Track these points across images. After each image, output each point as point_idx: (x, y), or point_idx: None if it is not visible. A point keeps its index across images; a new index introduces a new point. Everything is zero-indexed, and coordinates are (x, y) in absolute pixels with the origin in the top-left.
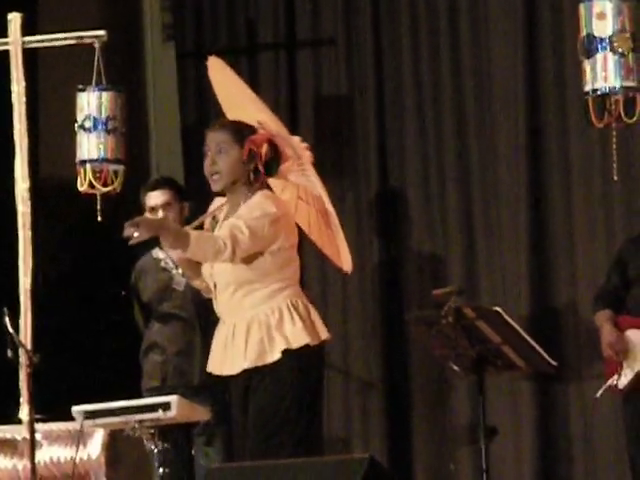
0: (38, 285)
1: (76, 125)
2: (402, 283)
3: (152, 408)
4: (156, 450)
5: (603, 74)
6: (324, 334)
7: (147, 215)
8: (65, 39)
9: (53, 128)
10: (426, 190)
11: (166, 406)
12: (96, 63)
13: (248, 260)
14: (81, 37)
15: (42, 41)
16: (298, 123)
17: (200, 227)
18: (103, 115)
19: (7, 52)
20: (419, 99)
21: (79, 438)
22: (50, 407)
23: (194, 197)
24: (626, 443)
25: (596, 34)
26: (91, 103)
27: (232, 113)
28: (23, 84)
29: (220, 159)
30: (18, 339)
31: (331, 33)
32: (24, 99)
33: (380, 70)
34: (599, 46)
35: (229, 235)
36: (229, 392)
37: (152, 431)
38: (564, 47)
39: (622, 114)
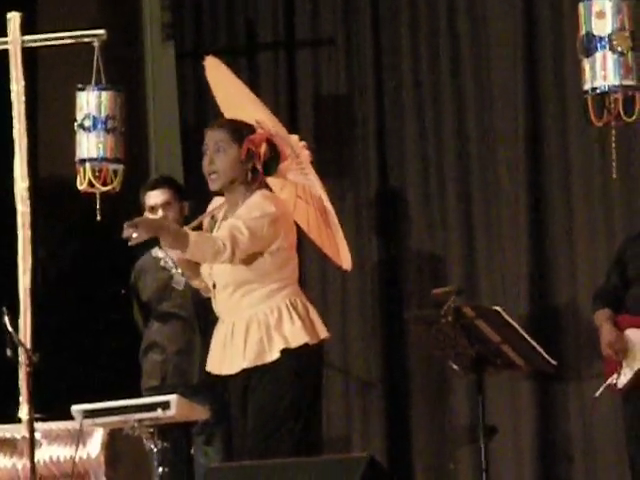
0: (37, 284)
1: (75, 124)
2: (402, 282)
3: (151, 407)
4: (155, 449)
5: (602, 73)
6: (323, 333)
7: (147, 214)
8: (64, 38)
9: (52, 127)
10: (426, 189)
11: (165, 405)
12: (95, 62)
13: (247, 260)
14: (80, 36)
15: (41, 40)
16: (298, 123)
17: (199, 227)
18: (102, 114)
19: (6, 51)
20: (419, 99)
21: (78, 437)
22: (49, 406)
23: (194, 196)
24: (626, 443)
25: (595, 33)
26: (90, 102)
27: (230, 113)
28: (22, 83)
29: (218, 158)
30: (17, 338)
31: (331, 33)
32: (23, 98)
33: (380, 70)
34: (598, 45)
35: (228, 236)
36: (228, 391)
37: (151, 430)
38: (563, 46)
39: (621, 113)
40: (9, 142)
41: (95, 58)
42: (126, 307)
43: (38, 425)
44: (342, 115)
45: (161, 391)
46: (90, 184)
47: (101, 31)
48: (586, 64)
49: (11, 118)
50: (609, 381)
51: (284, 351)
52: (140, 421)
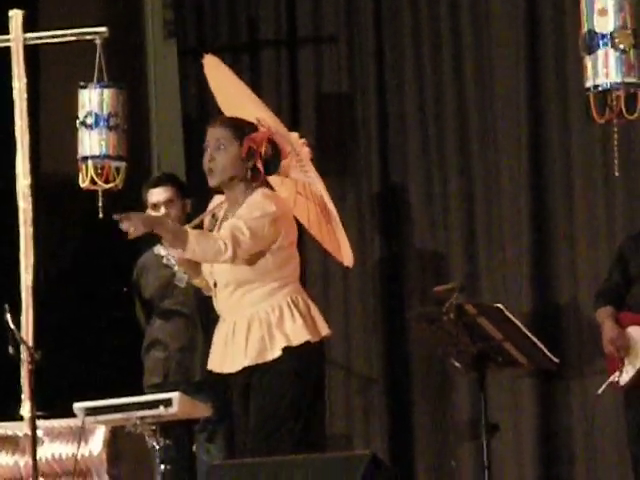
0: (39, 282)
1: (77, 122)
2: (403, 280)
3: (154, 405)
4: (157, 447)
5: (604, 70)
6: (324, 330)
7: (149, 212)
8: (66, 36)
9: (54, 125)
10: (428, 187)
11: (167, 403)
12: (97, 60)
13: (248, 259)
14: (82, 34)
15: (43, 38)
16: (299, 120)
17: (200, 226)
18: (105, 112)
19: (8, 49)
20: (420, 97)
21: (80, 435)
22: (52, 404)
23: (196, 194)
24: (628, 442)
25: (597, 30)
26: (93, 100)
27: (230, 111)
28: (24, 81)
29: (219, 155)
30: (19, 336)
31: (332, 31)
32: (25, 96)
33: (381, 68)
34: (600, 42)
35: (230, 236)
36: (230, 389)
37: (153, 428)
38: (565, 44)
39: (623, 110)
40: (11, 139)
41: (97, 55)
42: (128, 304)
43: (40, 423)
44: (344, 113)
45: (163, 388)
46: (92, 182)
47: (103, 28)
48: (588, 61)
49: (13, 115)
50: (611, 379)
51: (286, 349)
52: (142, 418)
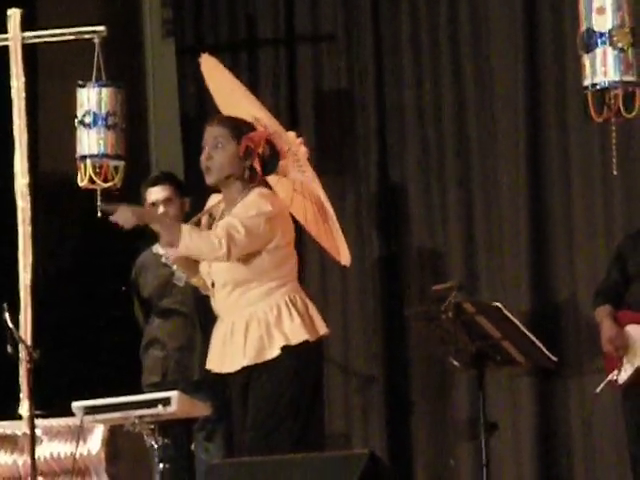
0: (38, 281)
1: (76, 121)
2: (402, 279)
3: (152, 404)
4: (156, 446)
5: (602, 69)
6: (323, 329)
7: None
8: (65, 35)
9: (53, 124)
10: (426, 186)
11: (166, 402)
12: (96, 59)
13: (245, 259)
14: (81, 33)
15: (42, 37)
16: (298, 118)
17: (197, 224)
18: (103, 111)
19: (7, 48)
20: (419, 94)
21: (79, 434)
22: (50, 403)
23: (194, 192)
24: (627, 442)
25: (596, 29)
26: (91, 99)
27: (227, 111)
28: (23, 80)
29: (216, 153)
30: (18, 335)
31: (331, 28)
32: (24, 95)
33: (380, 65)
34: (599, 41)
35: (225, 234)
36: (229, 388)
37: (152, 427)
38: (564, 42)
39: (621, 109)
40: (9, 138)
41: (95, 54)
42: (127, 303)
43: (39, 421)
44: (342, 110)
45: (162, 387)
46: (91, 180)
47: (101, 27)
48: (586, 60)
49: (11, 114)
50: (610, 377)
51: (284, 348)
52: (141, 417)
